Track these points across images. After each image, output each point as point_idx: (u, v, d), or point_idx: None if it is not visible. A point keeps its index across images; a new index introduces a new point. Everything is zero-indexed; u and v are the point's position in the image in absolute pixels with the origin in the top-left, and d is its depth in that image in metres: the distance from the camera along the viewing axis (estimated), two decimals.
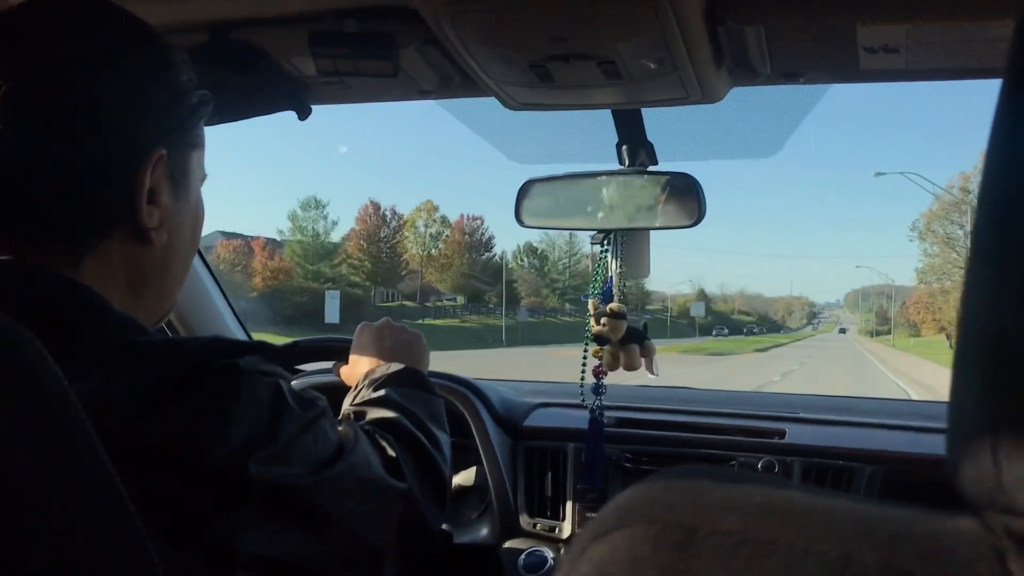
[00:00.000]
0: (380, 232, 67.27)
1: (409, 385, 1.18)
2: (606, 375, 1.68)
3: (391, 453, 1.01)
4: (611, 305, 1.61)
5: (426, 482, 1.04)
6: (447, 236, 76.47)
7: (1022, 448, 0.31)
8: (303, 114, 1.49)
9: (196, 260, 1.93)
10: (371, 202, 70.34)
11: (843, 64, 1.21)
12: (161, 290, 0.96)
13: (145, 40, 0.91)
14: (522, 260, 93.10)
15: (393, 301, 70.05)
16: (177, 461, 0.74)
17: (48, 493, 0.64)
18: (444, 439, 1.14)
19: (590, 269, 1.69)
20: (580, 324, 1.64)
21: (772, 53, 1.19)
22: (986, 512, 0.33)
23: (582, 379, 1.70)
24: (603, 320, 1.60)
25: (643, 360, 1.62)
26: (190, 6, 1.26)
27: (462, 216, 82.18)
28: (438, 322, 65.53)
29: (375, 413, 1.09)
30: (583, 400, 1.72)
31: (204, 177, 0.99)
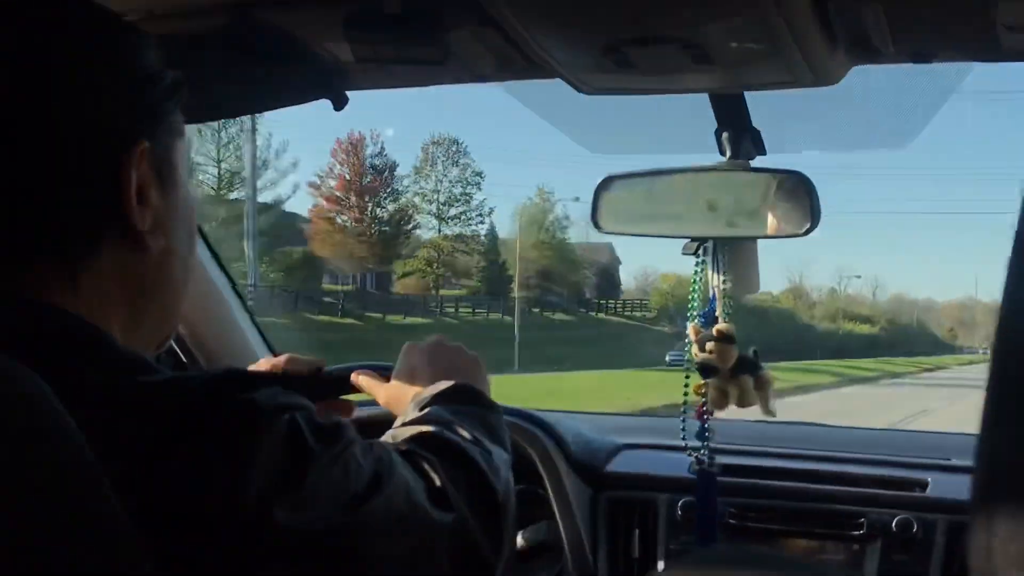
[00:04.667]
0: None
1: (460, 401, 1.25)
2: (712, 415, 1.75)
3: (434, 476, 1.06)
4: (718, 326, 1.67)
5: (478, 505, 1.09)
6: None
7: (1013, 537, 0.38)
8: (339, 104, 1.58)
9: (208, 262, 2.06)
10: None
11: (982, 44, 1.26)
12: (164, 304, 1.06)
13: (101, 23, 1.00)
14: None
15: None
16: (194, 515, 0.83)
17: (68, 559, 0.75)
18: (500, 455, 1.19)
19: None
20: None
21: (894, 32, 1.25)
22: None
23: (683, 419, 1.76)
24: (708, 345, 1.66)
25: (758, 395, 1.69)
26: None
27: None
28: None
29: (415, 430, 1.15)
30: (686, 445, 1.78)
31: (192, 170, 1.08)
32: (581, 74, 1.42)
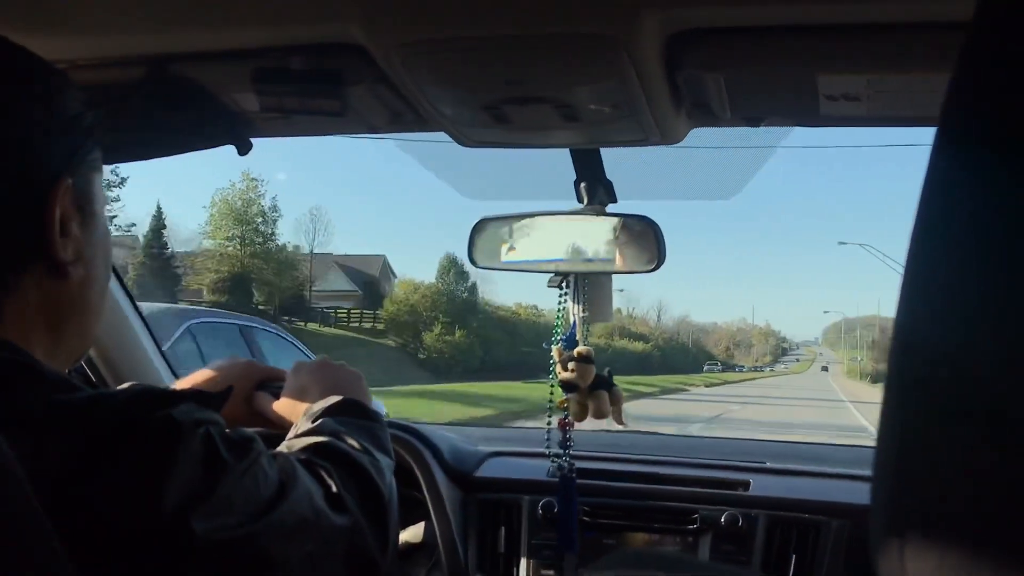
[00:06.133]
0: None
1: (348, 414, 1.23)
2: (572, 427, 1.76)
3: (330, 482, 1.05)
4: (579, 348, 1.69)
5: (368, 509, 1.08)
6: None
7: (924, 553, 0.37)
8: (243, 149, 1.54)
9: (115, 287, 1.97)
10: None
11: (804, 110, 1.31)
12: (81, 327, 1.01)
13: (26, 68, 0.96)
14: None
15: None
16: (119, 525, 0.79)
17: None
18: (385, 461, 1.18)
19: None
20: None
21: (732, 99, 1.28)
22: None
23: (548, 429, 1.76)
24: (571, 365, 1.67)
25: (612, 408, 1.70)
26: (125, 40, 1.32)
27: None
28: None
29: (310, 441, 1.13)
30: (549, 452, 1.78)
31: (106, 202, 1.05)
32: (463, 128, 1.42)
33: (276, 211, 50.49)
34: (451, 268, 58.53)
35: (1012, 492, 0.34)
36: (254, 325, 9.40)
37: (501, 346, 55.47)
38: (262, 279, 48.87)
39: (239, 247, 48.16)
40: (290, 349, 9.62)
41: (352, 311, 56.16)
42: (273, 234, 50.65)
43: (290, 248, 54.07)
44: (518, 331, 61.19)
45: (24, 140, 0.91)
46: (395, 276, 64.94)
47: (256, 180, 49.62)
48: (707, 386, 55.66)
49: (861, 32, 1.11)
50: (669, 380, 52.62)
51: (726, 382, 67.87)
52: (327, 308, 54.79)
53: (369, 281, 61.87)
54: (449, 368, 47.98)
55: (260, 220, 49.53)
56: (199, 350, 7.62)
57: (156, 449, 0.83)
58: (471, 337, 52.25)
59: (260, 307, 46.14)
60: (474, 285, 60.56)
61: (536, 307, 76.28)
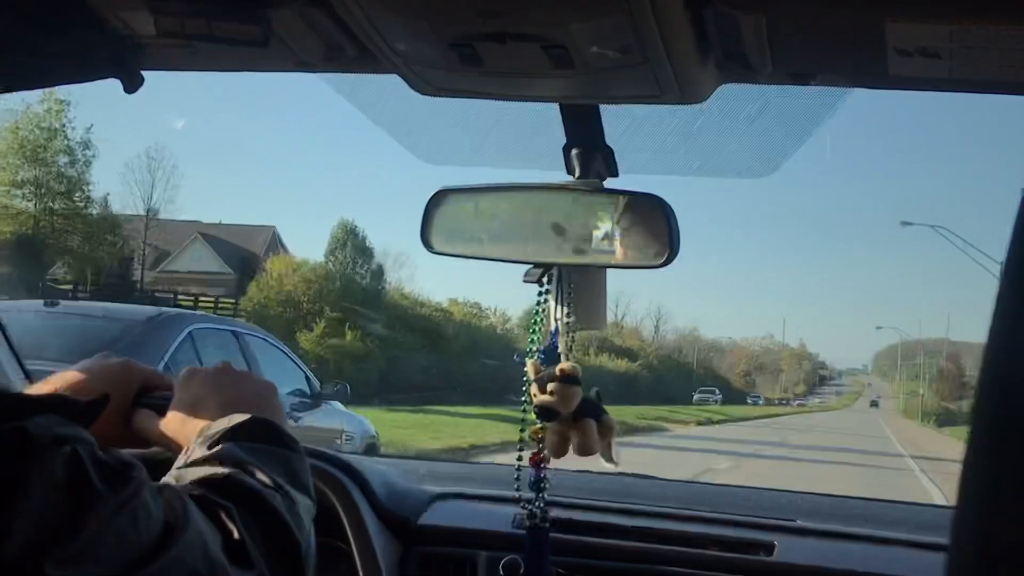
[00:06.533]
0: None
1: (257, 439, 1.20)
2: (548, 463, 1.72)
3: (231, 527, 1.03)
4: (561, 366, 1.65)
5: (278, 562, 1.06)
6: None
7: None
8: (132, 84, 1.52)
9: None
10: None
11: (867, 67, 1.30)
12: None
13: None
14: None
15: None
16: None
17: None
18: (304, 503, 1.16)
19: None
20: None
21: (774, 48, 1.27)
22: None
23: (519, 466, 1.74)
24: (550, 386, 1.63)
25: (600, 442, 1.67)
26: None
27: None
28: None
29: (206, 472, 1.11)
30: (519, 497, 1.75)
31: None
32: (423, 70, 1.40)
33: (89, 148, 44.49)
34: (346, 240, 52.11)
35: None
36: (246, 332, 10.43)
37: (415, 356, 48.09)
38: (64, 246, 43.87)
39: (32, 198, 42.42)
40: (280, 358, 10.62)
41: (201, 298, 48.28)
42: (84, 182, 44.64)
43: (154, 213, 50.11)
44: (445, 335, 54.14)
45: None
46: (286, 252, 59.11)
47: (64, 102, 42.43)
48: (699, 424, 50.95)
49: None
50: (647, 413, 46.33)
51: (732, 419, 61.00)
52: (163, 292, 49.60)
53: (248, 259, 57.69)
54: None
55: (66, 160, 43.63)
56: (198, 357, 8.24)
57: (2, 471, 0.81)
58: (370, 342, 45.18)
59: (59, 286, 41.16)
60: (380, 268, 54.19)
61: (479, 305, 70.60)
